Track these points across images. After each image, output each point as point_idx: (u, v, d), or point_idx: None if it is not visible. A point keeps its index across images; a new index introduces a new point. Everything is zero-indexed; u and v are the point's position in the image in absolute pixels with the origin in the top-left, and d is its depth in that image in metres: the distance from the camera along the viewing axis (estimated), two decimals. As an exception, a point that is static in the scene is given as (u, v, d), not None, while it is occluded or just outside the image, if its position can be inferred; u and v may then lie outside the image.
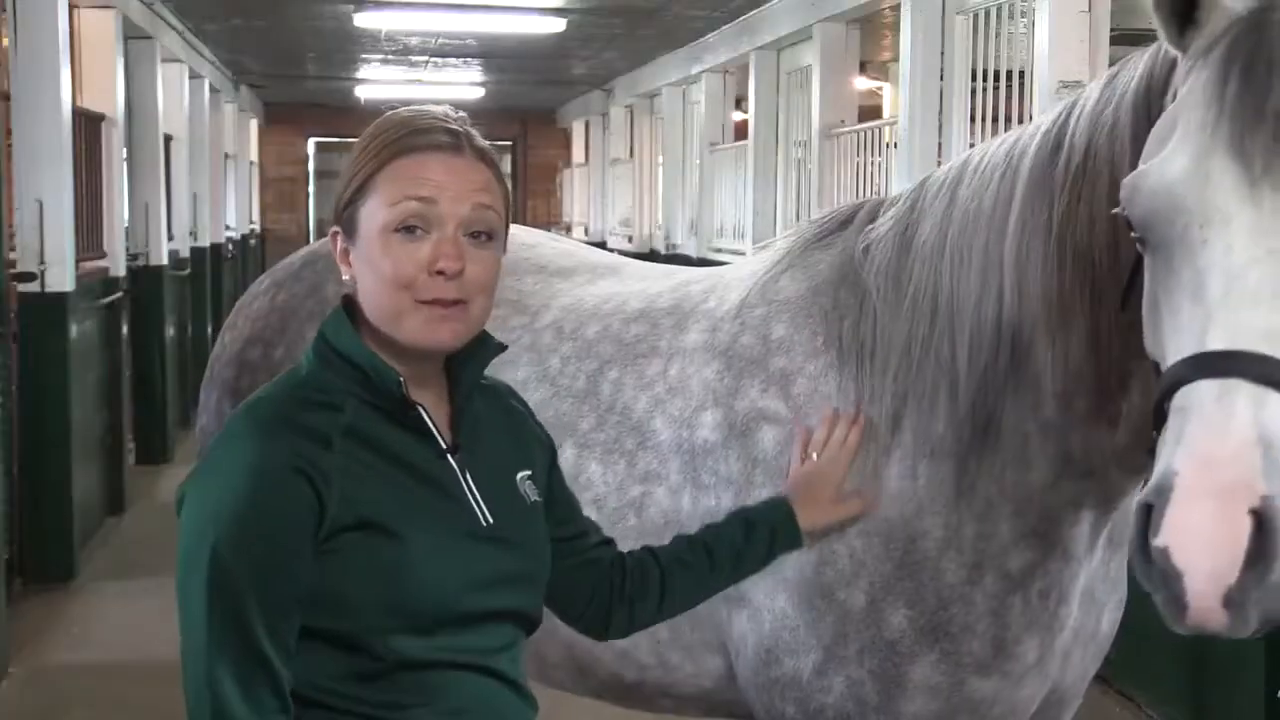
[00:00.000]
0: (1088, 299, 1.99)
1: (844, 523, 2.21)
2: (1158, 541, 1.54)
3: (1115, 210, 1.79)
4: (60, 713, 5.20)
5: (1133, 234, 1.75)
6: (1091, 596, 2.30)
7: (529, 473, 1.90)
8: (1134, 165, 1.79)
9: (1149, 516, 1.56)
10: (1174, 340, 1.66)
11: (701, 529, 2.20)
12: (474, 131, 1.78)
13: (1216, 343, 1.59)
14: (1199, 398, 1.57)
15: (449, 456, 1.77)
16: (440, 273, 1.69)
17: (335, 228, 1.79)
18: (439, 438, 1.77)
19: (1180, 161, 1.67)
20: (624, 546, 2.43)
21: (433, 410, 1.78)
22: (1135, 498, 1.63)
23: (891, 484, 2.21)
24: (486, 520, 1.77)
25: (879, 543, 2.20)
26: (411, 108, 1.81)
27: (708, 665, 2.43)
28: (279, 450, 1.64)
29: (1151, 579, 1.58)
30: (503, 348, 1.87)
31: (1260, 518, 1.50)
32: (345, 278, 1.79)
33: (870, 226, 2.34)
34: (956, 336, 2.14)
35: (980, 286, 2.11)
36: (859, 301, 2.29)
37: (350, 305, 1.80)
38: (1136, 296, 1.82)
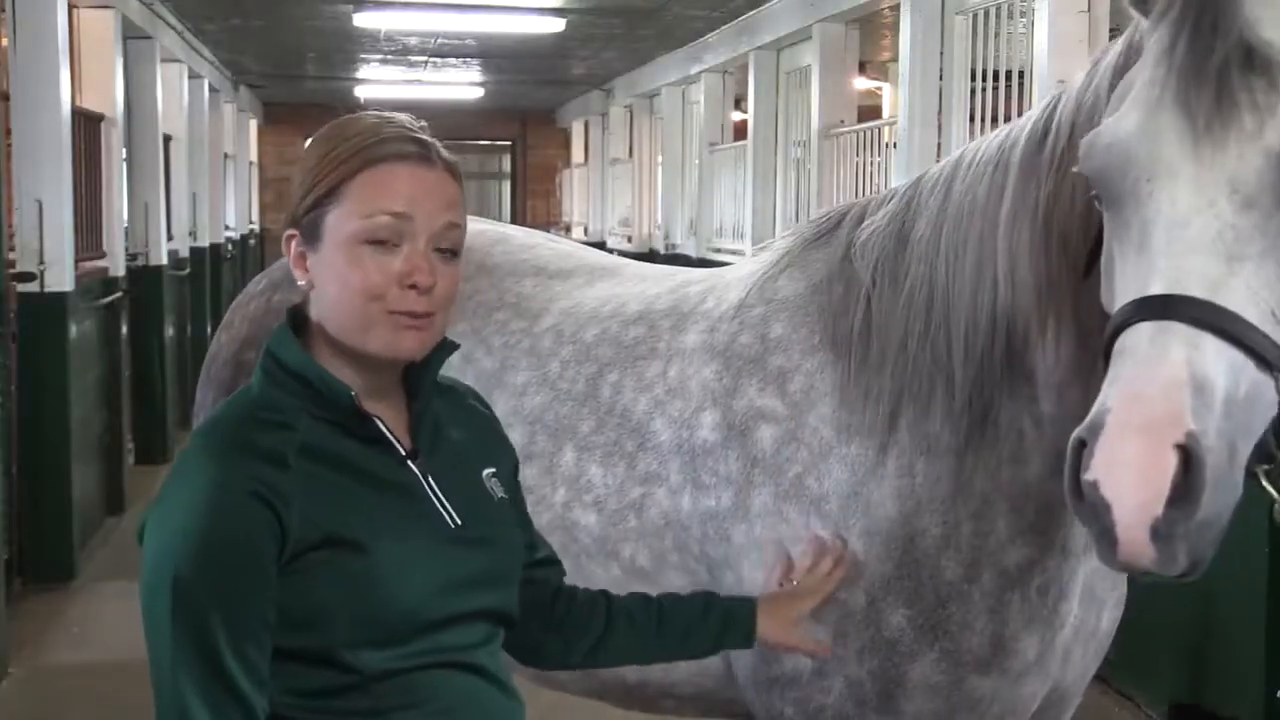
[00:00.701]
0: (1075, 280, 2.00)
1: (798, 649, 2.20)
2: (1088, 475, 1.59)
3: (1075, 168, 1.83)
4: (60, 713, 5.21)
5: (1091, 192, 1.79)
6: (1092, 594, 2.30)
7: (494, 470, 1.89)
8: None
9: (1082, 452, 1.61)
10: (1121, 288, 1.71)
11: (663, 594, 2.18)
12: (437, 142, 1.77)
13: (1156, 287, 1.63)
14: (1135, 339, 1.62)
15: (409, 462, 1.76)
16: (413, 286, 1.68)
17: (292, 231, 1.75)
18: (397, 445, 1.76)
19: (1132, 118, 1.72)
20: (626, 548, 2.45)
21: (392, 417, 1.77)
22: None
23: (889, 483, 2.21)
24: (454, 522, 1.76)
25: (879, 543, 2.20)
26: (373, 113, 1.78)
27: (709, 664, 2.42)
28: (235, 475, 1.62)
29: (1083, 514, 1.62)
30: (455, 347, 1.85)
31: (1187, 453, 1.53)
32: (301, 283, 1.76)
33: (867, 223, 2.35)
34: (952, 331, 2.15)
35: (975, 279, 2.12)
36: (855, 299, 2.29)
37: (296, 316, 1.78)
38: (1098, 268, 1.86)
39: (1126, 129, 1.72)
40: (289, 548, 1.62)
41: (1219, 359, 1.58)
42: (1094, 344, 1.97)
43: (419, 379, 1.80)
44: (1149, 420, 1.55)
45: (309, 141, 1.79)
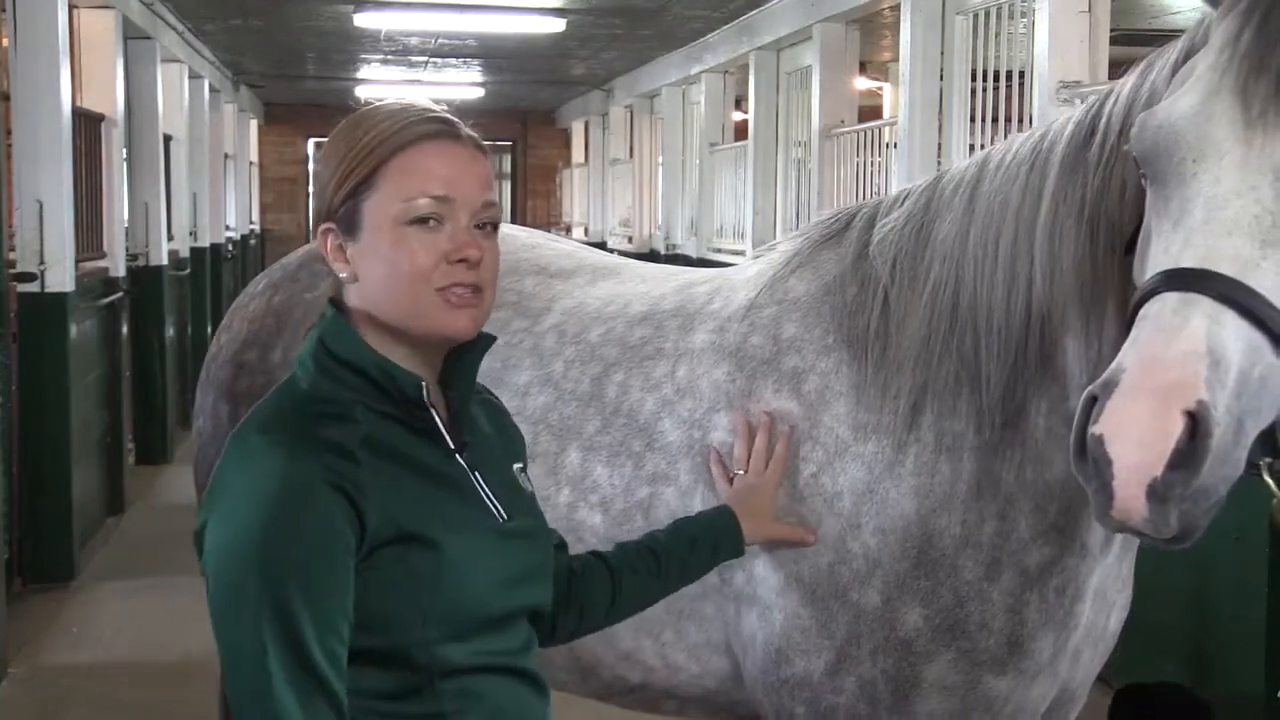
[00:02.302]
0: (1119, 272, 2.01)
1: (788, 539, 2.24)
2: (1095, 429, 1.63)
3: (1126, 147, 1.87)
4: (60, 713, 5.20)
5: (1139, 171, 1.83)
6: (1103, 595, 2.30)
7: (521, 465, 1.91)
8: None
9: (1092, 408, 1.65)
10: (1153, 261, 1.74)
11: (646, 535, 2.19)
12: (461, 122, 1.77)
13: (1187, 261, 1.67)
14: (1160, 306, 1.66)
15: (458, 456, 1.76)
16: (462, 261, 1.69)
17: (328, 224, 1.74)
18: (447, 438, 1.75)
19: (1188, 99, 1.76)
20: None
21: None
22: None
23: (907, 481, 2.21)
24: (502, 516, 1.77)
25: (895, 541, 2.20)
26: (394, 100, 1.78)
27: (713, 666, 2.43)
28: (306, 465, 1.59)
29: (1084, 470, 1.67)
30: (492, 339, 1.85)
31: (1194, 420, 1.57)
32: (343, 275, 1.75)
33: (883, 223, 2.35)
34: (980, 331, 2.15)
35: (1009, 278, 2.13)
36: (871, 298, 2.29)
37: (339, 307, 1.76)
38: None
39: (1180, 110, 1.75)
40: (366, 542, 1.61)
41: (1238, 337, 1.62)
42: None
43: (457, 369, 1.79)
44: (1162, 384, 1.59)
45: (330, 136, 1.78)
